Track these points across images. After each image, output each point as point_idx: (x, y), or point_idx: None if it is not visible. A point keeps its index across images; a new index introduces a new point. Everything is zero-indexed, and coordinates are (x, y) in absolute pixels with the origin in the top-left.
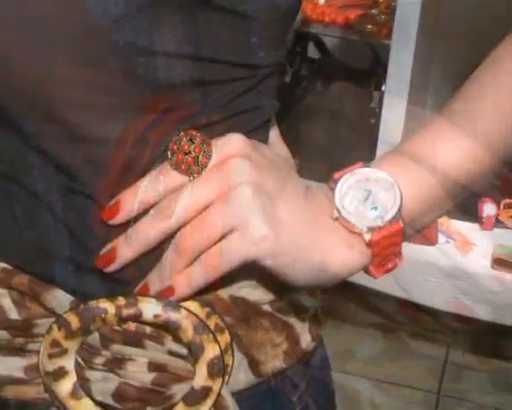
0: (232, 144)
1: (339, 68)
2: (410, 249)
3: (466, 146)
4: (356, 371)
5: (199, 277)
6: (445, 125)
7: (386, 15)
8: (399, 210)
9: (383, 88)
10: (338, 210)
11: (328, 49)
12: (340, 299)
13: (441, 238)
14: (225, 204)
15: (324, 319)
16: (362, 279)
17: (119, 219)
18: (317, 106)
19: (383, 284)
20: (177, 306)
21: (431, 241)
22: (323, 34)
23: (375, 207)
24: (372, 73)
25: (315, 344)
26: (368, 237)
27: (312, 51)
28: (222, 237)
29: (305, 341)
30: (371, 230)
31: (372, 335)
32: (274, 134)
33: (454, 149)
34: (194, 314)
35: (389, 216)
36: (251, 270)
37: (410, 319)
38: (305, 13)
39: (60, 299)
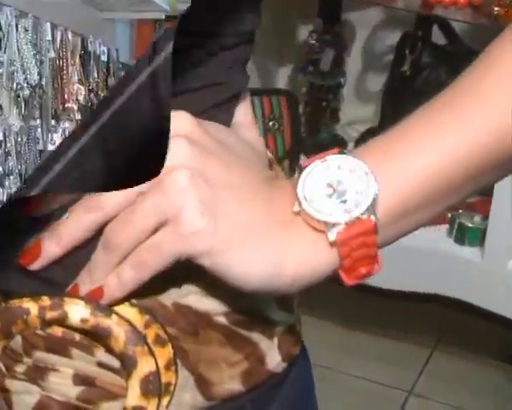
0: (172, 124)
1: (467, 56)
2: None
3: (471, 133)
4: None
5: (129, 276)
6: (448, 107)
7: None
8: (372, 205)
9: None
10: (299, 202)
11: (457, 33)
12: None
13: None
14: (157, 192)
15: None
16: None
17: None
18: None
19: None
20: (108, 310)
21: None
22: (445, 17)
23: (344, 201)
24: None
25: (286, 365)
26: (332, 235)
27: (436, 36)
28: (156, 231)
29: (273, 360)
30: (336, 227)
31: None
32: (243, 113)
33: (457, 135)
34: (128, 322)
35: (357, 211)
36: (197, 272)
37: None
38: None
39: None
